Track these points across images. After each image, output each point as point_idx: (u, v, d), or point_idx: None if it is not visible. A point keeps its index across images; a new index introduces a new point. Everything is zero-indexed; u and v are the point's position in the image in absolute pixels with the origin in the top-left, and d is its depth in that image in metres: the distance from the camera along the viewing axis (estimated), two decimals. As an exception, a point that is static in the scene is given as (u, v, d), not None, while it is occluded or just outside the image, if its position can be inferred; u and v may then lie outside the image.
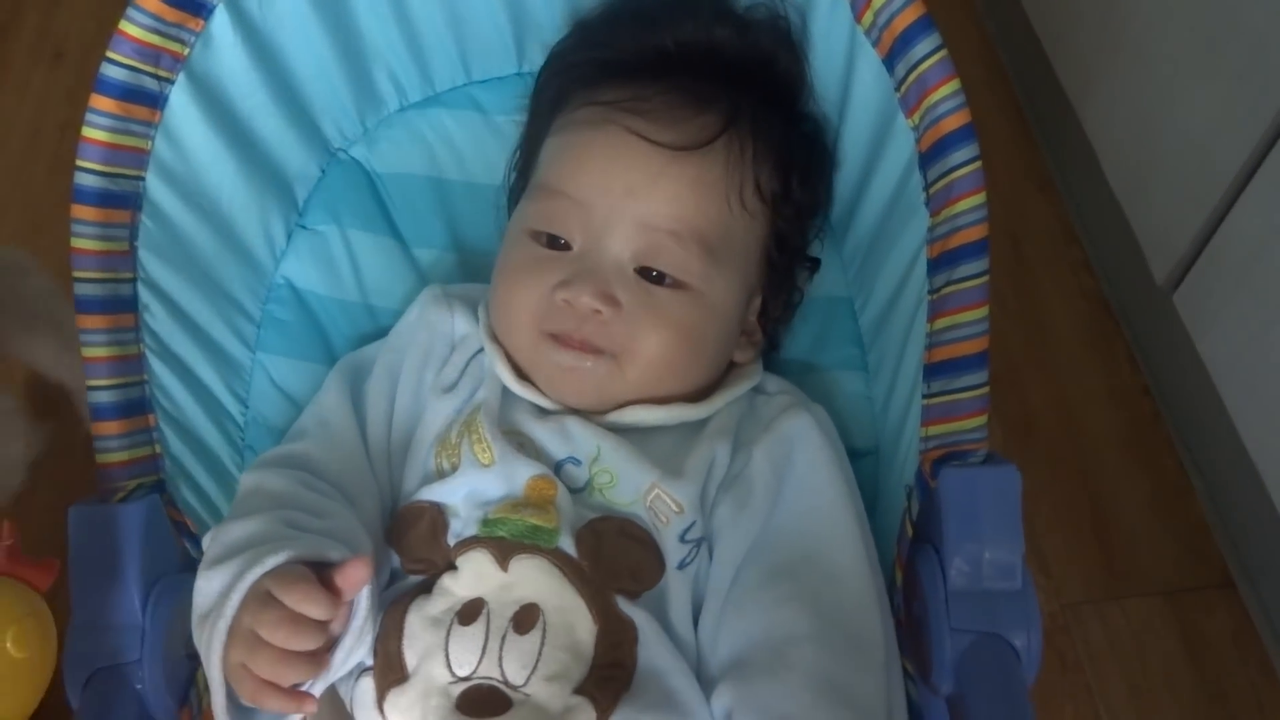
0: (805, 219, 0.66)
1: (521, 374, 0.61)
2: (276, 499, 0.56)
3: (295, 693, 0.49)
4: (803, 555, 0.55)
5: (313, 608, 0.48)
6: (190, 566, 0.59)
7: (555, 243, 0.60)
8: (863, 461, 0.64)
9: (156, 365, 0.60)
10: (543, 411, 0.60)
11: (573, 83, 0.64)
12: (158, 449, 0.60)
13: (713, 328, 0.60)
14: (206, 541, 0.54)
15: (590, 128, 0.61)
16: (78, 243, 0.57)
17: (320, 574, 0.50)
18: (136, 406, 0.59)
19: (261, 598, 0.49)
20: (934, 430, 0.56)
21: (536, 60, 0.71)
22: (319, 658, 0.50)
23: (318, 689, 0.50)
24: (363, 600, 0.51)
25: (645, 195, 0.58)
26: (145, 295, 0.60)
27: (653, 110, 0.59)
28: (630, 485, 0.57)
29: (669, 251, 0.58)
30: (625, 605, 0.54)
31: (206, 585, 0.51)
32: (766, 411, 0.61)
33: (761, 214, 0.62)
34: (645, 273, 0.58)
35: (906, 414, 0.60)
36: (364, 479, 0.60)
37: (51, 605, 0.60)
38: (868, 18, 0.57)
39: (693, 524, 0.57)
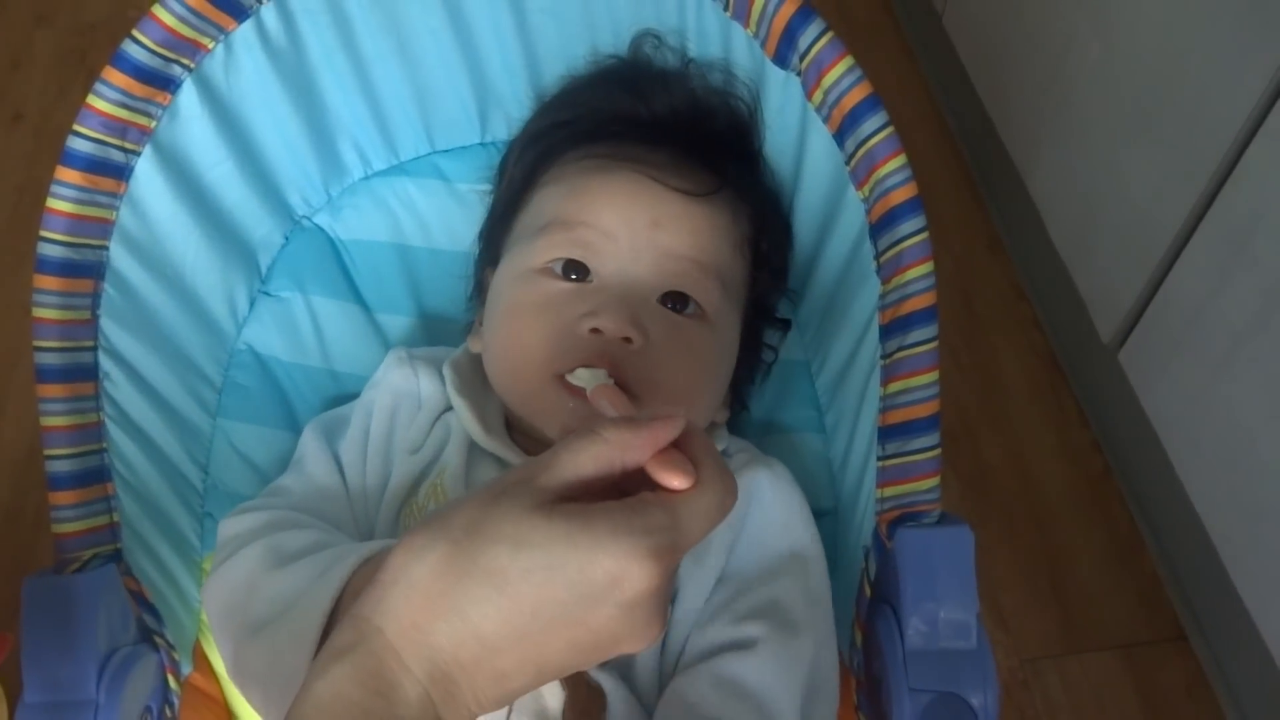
0: (778, 285, 0.67)
1: (490, 428, 0.60)
2: (310, 523, 0.57)
3: None
4: (760, 584, 0.56)
5: None
6: (147, 637, 0.58)
7: (574, 274, 0.58)
8: (822, 522, 0.65)
9: (116, 432, 0.60)
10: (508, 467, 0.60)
11: (563, 140, 0.65)
12: (115, 517, 0.59)
13: (723, 365, 0.61)
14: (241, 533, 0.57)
15: (600, 171, 0.61)
16: (39, 312, 0.56)
17: None
18: (94, 475, 0.58)
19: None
20: (889, 492, 0.57)
21: (499, 130, 0.73)
22: None
23: None
24: None
25: (669, 228, 0.59)
26: (106, 363, 0.59)
27: (658, 161, 0.60)
28: None
29: (694, 278, 0.59)
30: (594, 671, 0.54)
31: (280, 583, 0.52)
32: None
33: (750, 270, 0.63)
34: (669, 300, 0.58)
35: (863, 476, 0.61)
36: (352, 536, 0.60)
37: (1, 678, 0.59)
38: (818, 96, 0.59)
39: None
